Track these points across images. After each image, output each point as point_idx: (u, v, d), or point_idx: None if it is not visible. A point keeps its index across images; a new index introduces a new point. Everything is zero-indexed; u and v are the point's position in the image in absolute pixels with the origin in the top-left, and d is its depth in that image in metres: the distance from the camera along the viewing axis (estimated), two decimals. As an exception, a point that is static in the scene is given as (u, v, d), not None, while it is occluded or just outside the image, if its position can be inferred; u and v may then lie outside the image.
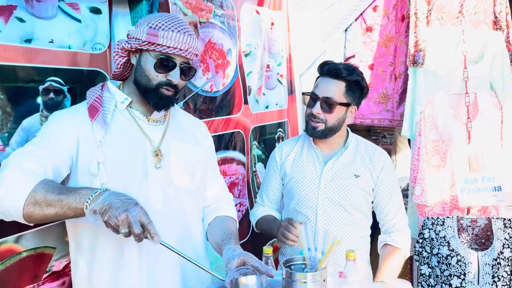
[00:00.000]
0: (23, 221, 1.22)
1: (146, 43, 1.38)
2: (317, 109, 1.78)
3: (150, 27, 1.38)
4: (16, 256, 1.46)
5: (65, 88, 1.58)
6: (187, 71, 1.46)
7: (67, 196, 1.19)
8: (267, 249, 1.46)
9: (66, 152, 1.35)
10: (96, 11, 1.69)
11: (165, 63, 1.39)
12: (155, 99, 1.42)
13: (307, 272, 1.15)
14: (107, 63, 1.74)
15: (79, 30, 1.63)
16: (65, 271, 1.62)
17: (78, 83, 1.63)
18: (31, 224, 1.31)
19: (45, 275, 1.55)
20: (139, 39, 1.39)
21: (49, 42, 1.53)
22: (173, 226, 1.46)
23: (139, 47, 1.40)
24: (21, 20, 1.44)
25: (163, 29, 1.37)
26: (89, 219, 1.15)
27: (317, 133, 1.82)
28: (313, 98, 1.81)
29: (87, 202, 1.16)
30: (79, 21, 1.63)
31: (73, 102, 1.61)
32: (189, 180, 1.54)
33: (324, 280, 1.16)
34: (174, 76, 1.42)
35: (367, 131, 5.66)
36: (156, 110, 1.48)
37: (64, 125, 1.36)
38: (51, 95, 1.54)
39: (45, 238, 1.54)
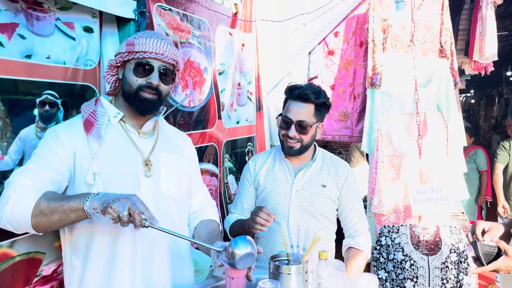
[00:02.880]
0: (32, 231, 1.34)
1: (126, 53, 1.52)
2: (292, 132, 1.94)
3: (129, 39, 1.54)
4: (10, 260, 1.52)
5: (59, 101, 1.68)
6: (167, 74, 1.58)
7: (68, 201, 1.30)
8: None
9: (64, 166, 1.45)
10: (88, 30, 1.81)
11: (142, 67, 1.53)
12: (137, 103, 1.54)
13: (291, 265, 1.31)
14: (96, 79, 1.85)
15: (73, 47, 1.74)
16: (54, 276, 1.68)
17: (71, 97, 1.73)
18: (40, 234, 1.40)
19: (35, 279, 1.61)
20: (121, 52, 1.53)
21: (46, 58, 1.62)
22: (163, 233, 1.57)
23: (122, 60, 1.54)
24: (22, 37, 1.54)
25: (138, 38, 1.52)
26: (89, 213, 1.26)
27: (294, 152, 1.99)
28: (287, 121, 1.97)
29: (86, 200, 1.27)
30: (73, 39, 1.74)
31: (65, 115, 1.71)
32: (176, 189, 1.66)
33: (306, 272, 1.32)
34: (154, 78, 1.54)
35: (324, 147, 5.95)
36: (140, 114, 1.58)
37: (60, 140, 1.46)
38: (47, 107, 1.64)
39: (36, 243, 1.61)
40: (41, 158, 1.43)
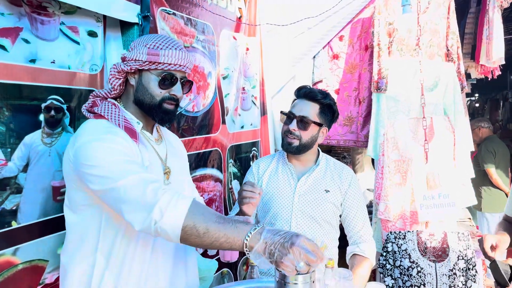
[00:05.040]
0: (176, 241, 1.23)
1: (147, 63, 1.45)
2: (293, 126, 1.96)
3: (149, 47, 1.45)
4: (13, 268, 1.49)
5: (64, 106, 1.66)
6: (186, 84, 1.56)
7: (225, 227, 1.19)
8: (253, 259, 1.60)
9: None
10: (93, 34, 1.79)
11: (168, 80, 1.48)
12: (160, 115, 1.50)
13: (298, 275, 1.27)
14: (101, 83, 1.83)
15: (78, 51, 1.72)
16: (57, 284, 1.65)
17: (76, 102, 1.71)
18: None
19: (38, 287, 1.59)
20: (139, 60, 1.44)
21: (51, 62, 1.61)
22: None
23: (139, 68, 1.47)
24: (26, 41, 1.52)
25: (162, 48, 1.45)
26: (251, 257, 1.16)
27: (292, 149, 1.99)
28: (290, 116, 1.99)
29: (246, 239, 1.17)
30: (77, 43, 1.72)
31: (71, 120, 1.69)
32: (189, 192, 1.67)
33: (313, 282, 1.29)
34: (177, 90, 1.51)
35: (328, 152, 5.93)
36: (161, 125, 1.58)
37: (123, 142, 1.37)
38: (52, 112, 1.62)
39: (39, 251, 1.58)
40: (129, 161, 1.32)
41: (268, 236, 1.16)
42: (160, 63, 1.45)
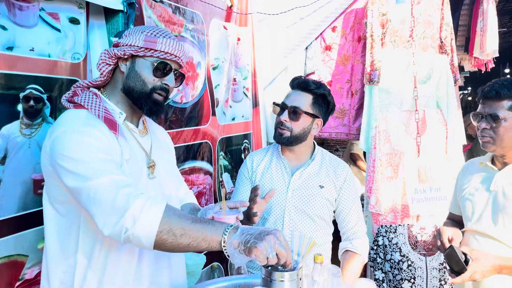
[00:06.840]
0: (149, 248, 1.20)
1: (143, 49, 1.41)
2: (284, 116, 1.92)
3: (147, 34, 1.42)
4: (-9, 263, 1.45)
5: (44, 96, 1.60)
6: (179, 77, 1.52)
7: (202, 226, 1.19)
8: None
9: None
10: (74, 21, 1.73)
11: (162, 68, 1.44)
12: (149, 104, 1.45)
13: (285, 271, 1.24)
14: (84, 73, 1.77)
15: (59, 39, 1.66)
16: (37, 279, 1.60)
17: (57, 91, 1.65)
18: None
19: (18, 283, 1.54)
20: (134, 45, 1.41)
21: (30, 50, 1.54)
22: None
23: (134, 53, 1.42)
24: (3, 28, 1.45)
25: (160, 36, 1.42)
26: (228, 251, 1.16)
27: (283, 140, 1.94)
28: (282, 107, 1.95)
29: (224, 234, 1.17)
30: (58, 30, 1.66)
31: (52, 111, 1.63)
32: (174, 187, 1.61)
33: (300, 279, 1.26)
34: (170, 80, 1.46)
35: (321, 144, 5.92)
36: (149, 116, 1.53)
37: (99, 137, 1.30)
38: (31, 102, 1.55)
39: (18, 246, 1.53)
40: (102, 160, 1.25)
41: (246, 229, 1.18)
42: (156, 50, 1.42)
